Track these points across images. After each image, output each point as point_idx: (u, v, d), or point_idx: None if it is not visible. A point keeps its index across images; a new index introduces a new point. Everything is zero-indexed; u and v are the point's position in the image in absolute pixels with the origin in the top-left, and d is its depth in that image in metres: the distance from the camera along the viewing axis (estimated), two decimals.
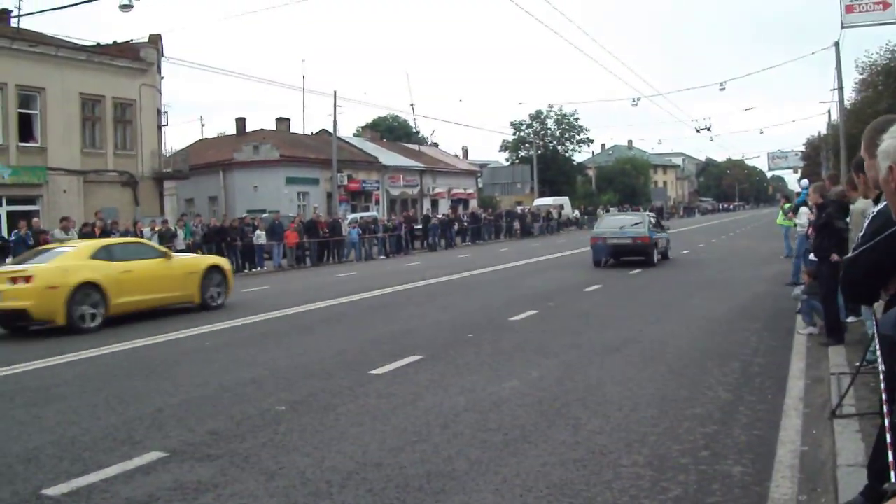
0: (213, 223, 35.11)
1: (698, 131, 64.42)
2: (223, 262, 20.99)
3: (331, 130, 54.72)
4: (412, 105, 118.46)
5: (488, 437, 7.12)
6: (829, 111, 62.20)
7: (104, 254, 17.46)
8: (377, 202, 63.58)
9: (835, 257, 10.48)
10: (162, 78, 43.98)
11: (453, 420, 7.74)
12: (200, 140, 69.72)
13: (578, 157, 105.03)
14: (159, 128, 43.31)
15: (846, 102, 40.93)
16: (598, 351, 11.39)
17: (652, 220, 29.61)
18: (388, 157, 69.46)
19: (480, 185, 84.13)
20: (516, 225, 59.29)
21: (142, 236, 28.47)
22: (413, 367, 10.52)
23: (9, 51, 34.86)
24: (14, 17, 38.65)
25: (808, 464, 6.23)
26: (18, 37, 35.83)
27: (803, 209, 19.13)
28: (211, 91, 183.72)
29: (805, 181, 27.50)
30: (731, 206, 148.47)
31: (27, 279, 15.78)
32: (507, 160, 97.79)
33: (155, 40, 42.09)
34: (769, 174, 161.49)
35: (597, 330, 13.38)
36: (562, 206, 72.90)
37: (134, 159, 40.53)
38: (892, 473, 2.80)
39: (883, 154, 2.95)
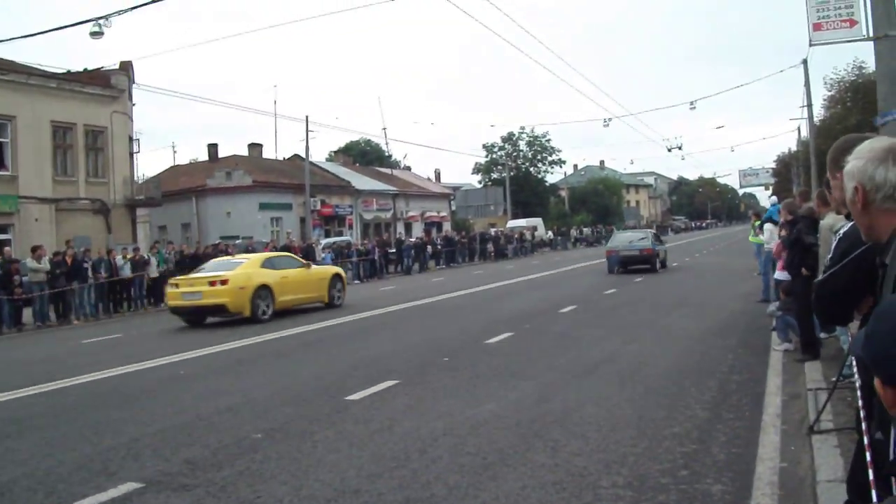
0: (185, 249, 34.93)
1: (670, 150, 64.64)
2: (341, 271, 27.40)
3: (303, 155, 54.80)
4: (384, 129, 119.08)
5: (466, 462, 7.08)
6: (798, 128, 62.70)
7: (268, 264, 23.21)
8: (350, 227, 63.51)
9: (804, 272, 10.56)
10: (133, 105, 43.81)
11: (431, 445, 7.70)
12: (172, 167, 69.49)
13: (551, 179, 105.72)
14: (131, 155, 43.12)
15: (815, 119, 41.39)
16: (575, 372, 11.38)
17: (654, 235, 37.30)
18: (360, 181, 69.45)
19: (454, 208, 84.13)
20: (490, 247, 59.20)
21: (115, 264, 28.46)
22: (390, 392, 10.46)
23: None
24: None
25: (788, 480, 6.24)
26: None
27: (768, 225, 19.23)
28: (183, 118, 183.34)
29: (774, 197, 27.74)
30: (704, 224, 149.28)
31: (224, 282, 21.06)
32: (480, 182, 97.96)
33: (126, 67, 41.92)
34: (741, 192, 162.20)
35: (573, 351, 13.37)
36: (535, 228, 73.05)
37: (106, 187, 40.34)
38: (874, 492, 2.79)
39: (848, 175, 2.96)
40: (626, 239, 36.58)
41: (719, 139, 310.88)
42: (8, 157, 36.31)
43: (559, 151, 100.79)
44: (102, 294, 28.35)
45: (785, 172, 69.88)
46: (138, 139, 44.70)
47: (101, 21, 22.37)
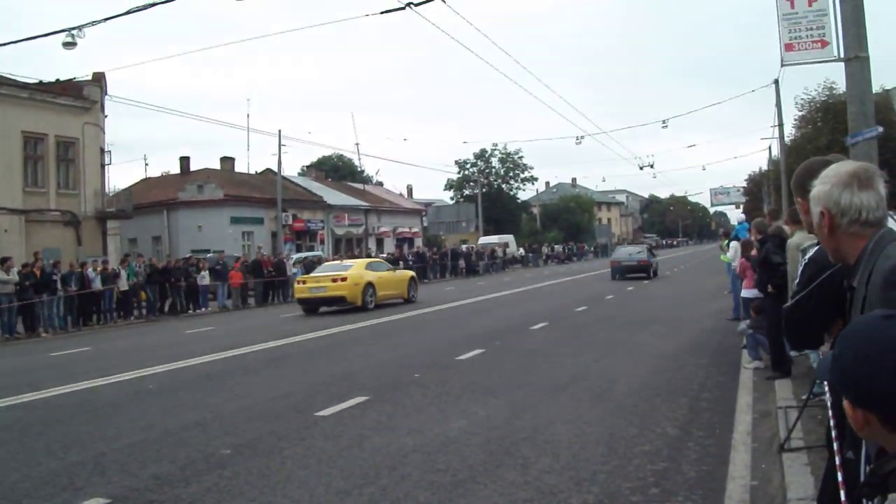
0: (155, 262, 34.77)
1: (641, 168, 64.72)
2: (414, 274, 34.88)
3: (275, 170, 54.69)
4: (357, 144, 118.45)
5: (437, 479, 7.04)
6: (769, 147, 63.22)
7: (370, 267, 30.68)
8: (322, 242, 63.41)
9: (770, 289, 10.63)
10: (105, 116, 43.63)
11: (401, 461, 7.66)
12: (144, 179, 69.04)
13: (523, 196, 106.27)
14: (103, 167, 42.92)
15: (786, 138, 41.58)
16: (546, 389, 11.36)
17: (648, 250, 48.57)
18: (332, 196, 69.36)
19: (425, 224, 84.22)
20: (461, 263, 59.22)
21: (88, 277, 28.32)
22: (360, 409, 10.40)
23: None
24: None
25: (759, 498, 6.25)
26: None
27: (733, 243, 19.33)
28: (155, 130, 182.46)
29: (742, 216, 28.02)
30: (675, 243, 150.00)
31: (343, 279, 28.11)
32: (452, 199, 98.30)
33: (99, 78, 41.69)
34: (712, 210, 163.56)
35: (544, 368, 13.36)
36: (507, 244, 73.26)
37: (77, 198, 40.10)
38: None
39: (814, 200, 2.98)
40: (626, 252, 46.69)
41: (691, 158, 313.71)
42: None
43: (531, 168, 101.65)
44: (72, 307, 28.15)
45: (756, 191, 70.32)
46: (110, 151, 44.61)
47: (74, 31, 22.17)
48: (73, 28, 22.19)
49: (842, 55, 12.97)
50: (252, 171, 70.78)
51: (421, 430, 8.93)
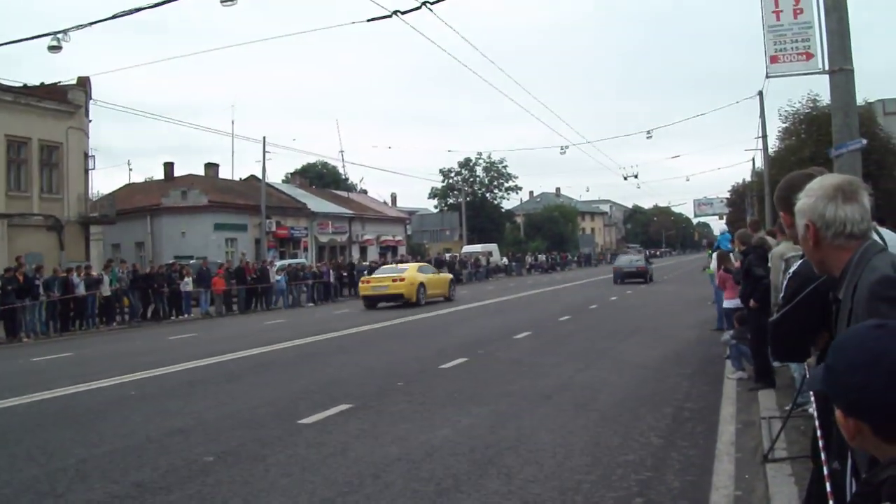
0: (138, 268, 34.70)
1: (626, 179, 65.10)
2: (452, 276, 41.80)
3: (259, 176, 54.57)
4: (341, 152, 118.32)
5: (420, 487, 7.03)
6: (753, 159, 63.34)
7: (421, 270, 36.73)
8: (306, 249, 63.22)
9: (752, 303, 10.68)
10: (90, 121, 43.40)
11: (385, 470, 7.64)
12: (128, 185, 68.71)
13: (507, 205, 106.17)
14: (86, 171, 42.65)
15: (770, 150, 41.79)
16: (529, 398, 11.36)
17: (646, 258, 57.70)
18: (316, 203, 69.21)
19: (409, 232, 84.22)
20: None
21: (72, 282, 28.19)
22: (343, 416, 10.38)
23: None
24: None
25: None
26: None
27: (715, 254, 19.39)
28: (139, 136, 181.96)
29: (725, 227, 28.14)
30: (658, 253, 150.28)
31: (401, 279, 33.78)
32: (436, 207, 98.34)
33: (83, 83, 41.51)
34: (695, 221, 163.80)
35: (528, 377, 13.35)
36: (490, 253, 73.34)
37: (60, 203, 39.87)
38: None
39: (799, 213, 3.00)
40: (626, 260, 55.06)
41: (675, 168, 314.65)
42: None
43: (516, 178, 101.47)
44: (54, 312, 28.00)
45: (739, 202, 70.50)
46: (94, 156, 44.14)
47: (59, 35, 22.12)
48: (59, 32, 22.15)
49: (826, 67, 13.00)
50: (236, 178, 70.47)
51: (405, 439, 8.92)
